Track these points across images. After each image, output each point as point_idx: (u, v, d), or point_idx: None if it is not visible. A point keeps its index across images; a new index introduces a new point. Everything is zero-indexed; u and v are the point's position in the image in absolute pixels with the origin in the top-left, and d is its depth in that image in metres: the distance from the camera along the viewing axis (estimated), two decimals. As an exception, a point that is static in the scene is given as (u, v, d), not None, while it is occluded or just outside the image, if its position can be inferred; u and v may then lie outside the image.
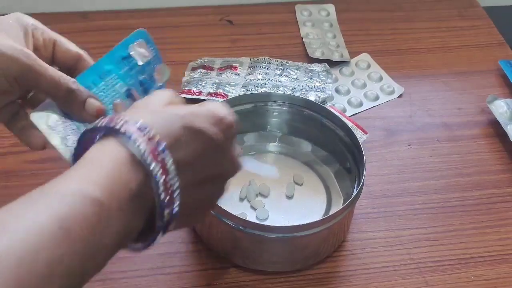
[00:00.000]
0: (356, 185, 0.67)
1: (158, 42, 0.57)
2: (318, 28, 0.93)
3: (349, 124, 0.76)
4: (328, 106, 0.79)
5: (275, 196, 0.70)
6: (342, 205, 0.68)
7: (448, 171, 0.77)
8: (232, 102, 0.72)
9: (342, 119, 0.72)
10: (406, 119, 0.83)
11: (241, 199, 0.70)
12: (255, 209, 0.69)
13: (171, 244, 0.68)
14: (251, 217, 0.68)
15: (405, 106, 0.84)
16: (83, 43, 0.58)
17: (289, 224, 0.66)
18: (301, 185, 0.71)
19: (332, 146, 0.73)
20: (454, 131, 0.82)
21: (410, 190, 0.75)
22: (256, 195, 0.70)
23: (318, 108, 0.73)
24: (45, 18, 0.60)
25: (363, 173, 0.66)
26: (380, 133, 0.81)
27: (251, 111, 0.74)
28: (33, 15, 0.56)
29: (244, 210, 0.69)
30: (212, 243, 0.67)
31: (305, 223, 0.62)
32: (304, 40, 0.91)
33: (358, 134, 0.78)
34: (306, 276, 0.67)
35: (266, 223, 0.67)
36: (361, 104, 0.84)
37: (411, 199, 0.74)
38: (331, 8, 0.97)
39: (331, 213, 0.68)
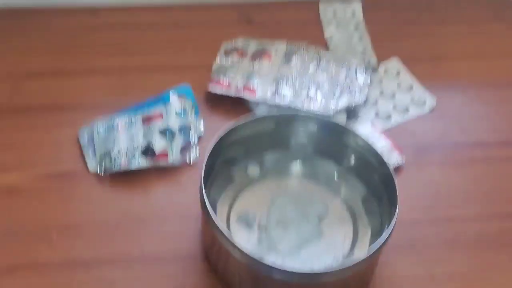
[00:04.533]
0: (386, 226, 0.61)
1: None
2: (343, 29, 0.87)
3: (385, 143, 0.71)
4: (362, 124, 0.74)
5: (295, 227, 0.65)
6: (369, 242, 0.63)
7: (484, 196, 0.71)
8: (254, 123, 0.66)
9: (371, 143, 0.65)
10: (438, 136, 0.77)
11: (259, 227, 0.65)
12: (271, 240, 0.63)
13: (184, 278, 0.63)
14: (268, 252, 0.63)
15: (436, 120, 0.78)
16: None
17: (310, 266, 0.61)
18: (324, 219, 0.66)
19: (361, 171, 0.67)
20: (490, 151, 0.75)
21: (442, 217, 0.69)
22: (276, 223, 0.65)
23: (346, 132, 0.67)
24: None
25: (394, 212, 0.60)
26: (410, 151, 0.74)
27: (273, 131, 0.68)
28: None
29: (260, 238, 0.64)
30: (228, 279, 0.62)
31: (326, 270, 0.57)
32: (328, 43, 0.85)
33: (394, 156, 0.72)
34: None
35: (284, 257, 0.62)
36: (389, 117, 0.77)
37: (443, 229, 0.68)
38: (357, 6, 0.90)
39: (357, 248, 0.63)
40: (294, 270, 0.56)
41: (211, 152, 0.62)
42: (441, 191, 0.71)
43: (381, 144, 0.72)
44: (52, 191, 0.68)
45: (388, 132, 0.75)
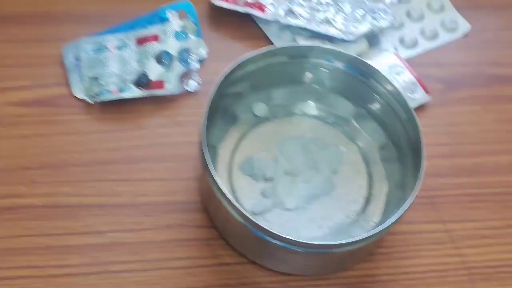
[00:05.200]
0: (406, 189, 0.54)
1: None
2: None
3: (410, 77, 0.63)
4: (385, 52, 0.65)
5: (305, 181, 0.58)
6: (385, 199, 0.57)
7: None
8: (264, 56, 0.57)
9: (397, 87, 0.57)
10: (469, 69, 0.68)
11: (265, 180, 0.58)
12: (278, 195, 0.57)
13: (181, 229, 0.57)
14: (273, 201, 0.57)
15: (470, 50, 0.69)
16: None
17: (321, 235, 0.55)
18: (337, 171, 0.59)
19: (382, 115, 0.60)
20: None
21: (467, 168, 0.62)
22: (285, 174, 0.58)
23: (366, 68, 0.58)
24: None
25: (419, 169, 0.53)
26: (436, 87, 0.66)
27: (285, 64, 0.59)
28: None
29: (264, 191, 0.57)
30: (228, 237, 0.56)
31: (343, 242, 0.50)
32: None
33: (419, 93, 0.64)
34: (338, 280, 0.56)
35: (293, 217, 0.56)
36: (415, 44, 0.68)
37: (467, 181, 0.61)
38: None
39: (371, 205, 0.57)
40: (294, 239, 0.49)
41: (214, 94, 0.54)
42: (468, 135, 0.64)
43: (406, 78, 0.64)
44: (32, 121, 0.60)
45: (414, 62, 0.66)
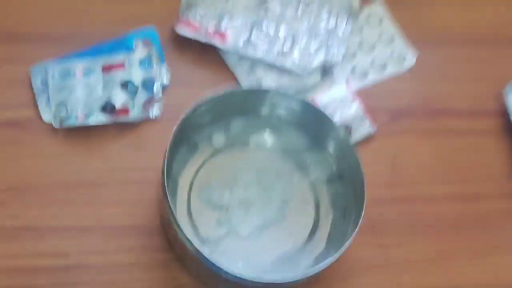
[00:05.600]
0: (352, 220, 0.60)
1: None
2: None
3: (358, 109, 0.68)
4: (337, 82, 0.70)
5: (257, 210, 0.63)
6: (330, 227, 0.62)
7: (452, 174, 0.70)
8: (223, 97, 0.61)
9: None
10: (413, 100, 0.73)
11: (221, 208, 0.62)
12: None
13: (142, 251, 0.62)
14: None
15: (414, 81, 0.74)
16: None
17: (270, 263, 0.60)
18: (288, 202, 0.64)
19: (331, 149, 0.64)
20: (467, 122, 0.72)
21: (404, 197, 0.68)
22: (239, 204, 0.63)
23: (319, 113, 0.63)
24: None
25: (362, 207, 0.58)
26: (382, 116, 0.71)
27: (244, 98, 0.63)
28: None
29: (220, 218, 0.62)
30: (184, 263, 0.61)
31: (284, 280, 0.55)
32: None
33: (365, 125, 0.69)
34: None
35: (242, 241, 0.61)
36: (365, 75, 0.73)
37: (404, 210, 0.67)
38: None
39: (317, 233, 0.63)
40: (242, 276, 0.54)
41: (176, 129, 0.58)
42: (408, 167, 0.69)
43: (354, 111, 0.69)
44: (0, 143, 0.64)
45: (363, 93, 0.71)
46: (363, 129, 0.69)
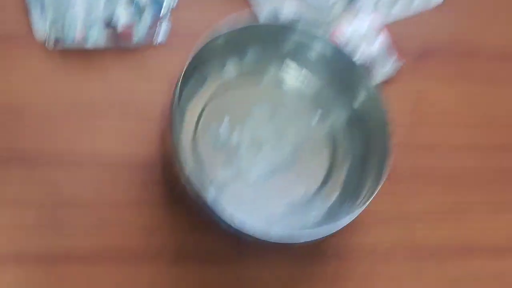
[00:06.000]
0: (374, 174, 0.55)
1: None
2: None
3: (384, 43, 0.62)
4: (361, 13, 0.63)
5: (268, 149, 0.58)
6: (346, 173, 0.58)
7: (475, 123, 0.65)
8: (241, 30, 0.55)
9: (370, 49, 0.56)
10: (446, 37, 0.67)
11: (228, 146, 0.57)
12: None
13: (142, 186, 0.57)
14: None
15: (448, 17, 0.67)
16: None
17: (280, 213, 0.56)
18: (301, 143, 0.59)
19: (353, 88, 0.59)
20: (495, 65, 0.67)
21: (422, 145, 0.63)
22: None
23: (338, 51, 0.57)
24: None
25: (385, 154, 0.54)
26: (406, 56, 0.65)
27: (263, 32, 0.57)
28: None
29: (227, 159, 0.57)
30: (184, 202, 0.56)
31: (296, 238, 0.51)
32: None
33: (390, 62, 0.63)
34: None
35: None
36: (392, 7, 0.66)
37: (421, 160, 0.62)
38: None
39: (331, 180, 0.58)
40: (248, 232, 0.50)
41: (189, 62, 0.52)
42: (430, 112, 0.64)
43: (378, 46, 0.63)
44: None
45: (389, 27, 0.65)
46: (386, 68, 0.64)
